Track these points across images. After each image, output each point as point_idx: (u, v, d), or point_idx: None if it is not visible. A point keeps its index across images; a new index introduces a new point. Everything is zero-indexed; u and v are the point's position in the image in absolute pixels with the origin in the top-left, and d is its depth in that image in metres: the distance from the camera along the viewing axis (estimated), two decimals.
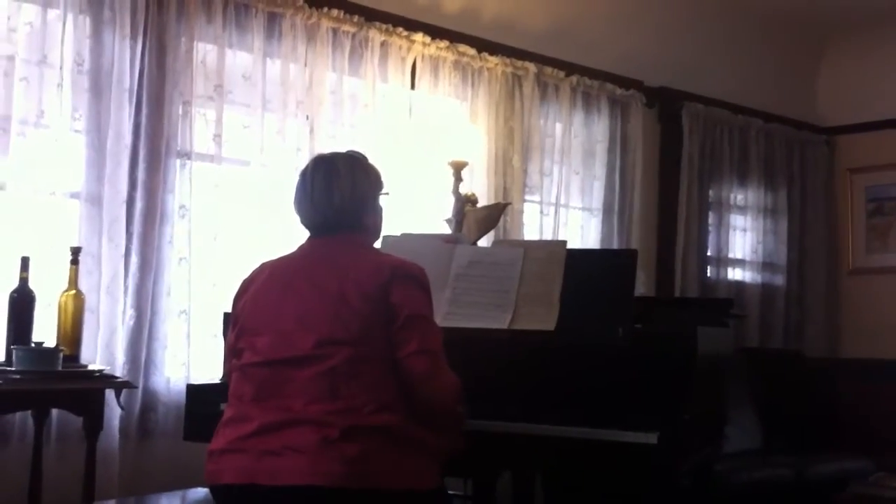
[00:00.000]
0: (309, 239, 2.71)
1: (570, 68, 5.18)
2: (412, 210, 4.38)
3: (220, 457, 2.51)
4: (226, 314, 3.34)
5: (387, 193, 2.79)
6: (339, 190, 2.63)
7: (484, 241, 4.08)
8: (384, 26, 4.47)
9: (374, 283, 2.52)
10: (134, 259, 3.76)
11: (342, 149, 2.80)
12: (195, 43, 3.92)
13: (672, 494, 2.81)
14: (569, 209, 5.18)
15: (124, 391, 3.49)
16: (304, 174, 2.71)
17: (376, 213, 2.74)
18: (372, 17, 4.43)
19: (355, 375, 2.46)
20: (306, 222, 2.70)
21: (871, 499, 3.85)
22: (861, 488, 3.91)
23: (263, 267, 2.73)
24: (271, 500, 2.41)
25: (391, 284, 2.53)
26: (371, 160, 2.80)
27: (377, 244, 2.85)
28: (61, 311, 3.38)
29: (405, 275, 2.56)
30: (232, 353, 2.68)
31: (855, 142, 6.54)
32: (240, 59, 4.08)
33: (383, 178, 2.78)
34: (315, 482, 2.37)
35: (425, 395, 2.53)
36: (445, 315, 3.06)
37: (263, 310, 2.61)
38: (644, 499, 3.77)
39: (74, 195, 3.68)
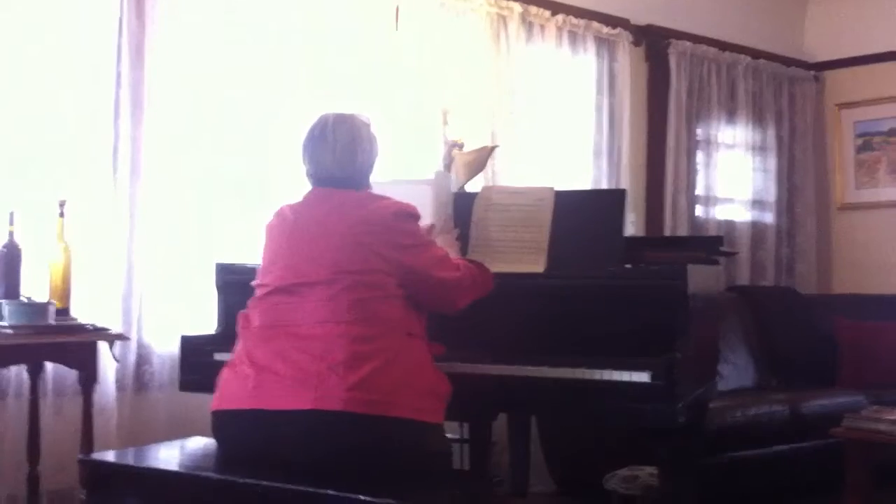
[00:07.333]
0: (313, 190, 2.75)
1: (555, 7, 5.12)
2: (398, 156, 4.35)
3: (225, 384, 2.56)
4: (218, 265, 3.34)
5: None
6: (361, 150, 2.72)
7: (472, 185, 4.06)
8: None
9: (377, 219, 2.59)
10: (123, 210, 3.74)
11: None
12: None
13: (666, 433, 2.82)
14: (557, 151, 5.14)
15: (119, 344, 3.50)
16: (323, 127, 2.73)
17: None
18: None
19: (360, 304, 2.51)
20: (321, 173, 2.73)
21: (866, 432, 3.88)
22: (855, 422, 3.94)
23: (281, 212, 2.77)
24: (275, 425, 2.46)
25: (394, 232, 2.61)
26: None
27: None
28: (50, 264, 3.37)
29: (406, 214, 2.65)
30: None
31: (843, 77, 6.51)
32: (219, 7, 4.02)
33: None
34: (319, 406, 2.41)
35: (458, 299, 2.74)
36: None
37: (275, 255, 2.68)
38: (638, 437, 3.80)
39: (63, 147, 3.64)
